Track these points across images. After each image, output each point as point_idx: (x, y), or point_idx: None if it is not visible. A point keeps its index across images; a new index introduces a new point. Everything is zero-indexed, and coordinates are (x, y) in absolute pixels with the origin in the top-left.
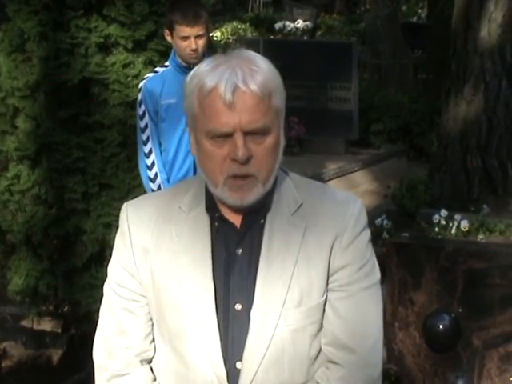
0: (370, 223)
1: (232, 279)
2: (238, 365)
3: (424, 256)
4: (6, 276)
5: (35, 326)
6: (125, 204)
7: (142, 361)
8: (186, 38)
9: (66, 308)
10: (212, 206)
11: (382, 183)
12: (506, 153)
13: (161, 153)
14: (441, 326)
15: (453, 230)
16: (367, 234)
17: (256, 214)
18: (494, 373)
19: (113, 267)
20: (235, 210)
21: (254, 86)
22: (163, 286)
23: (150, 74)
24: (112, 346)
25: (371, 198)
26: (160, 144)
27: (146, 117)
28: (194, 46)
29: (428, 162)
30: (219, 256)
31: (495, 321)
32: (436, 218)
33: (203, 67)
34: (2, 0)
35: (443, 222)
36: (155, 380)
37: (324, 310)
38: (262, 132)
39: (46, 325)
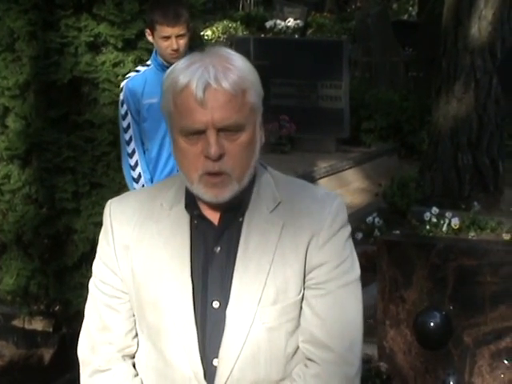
0: (361, 221)
1: (210, 277)
2: (215, 362)
3: (415, 254)
4: None
5: (26, 326)
6: (109, 201)
7: (123, 356)
8: (167, 37)
9: (57, 307)
10: (191, 203)
11: (373, 181)
12: (497, 150)
13: (144, 152)
14: (432, 324)
15: (444, 228)
16: (346, 231)
17: (234, 212)
18: (485, 370)
19: (97, 264)
20: (213, 207)
21: (225, 83)
22: (143, 282)
23: (132, 74)
24: (95, 342)
25: (362, 196)
26: (143, 143)
27: (129, 116)
28: (175, 46)
29: (419, 159)
30: (198, 254)
31: (486, 318)
32: (427, 215)
33: (178, 65)
34: None
35: (434, 220)
36: (136, 376)
37: (301, 307)
38: (235, 129)
39: (38, 324)
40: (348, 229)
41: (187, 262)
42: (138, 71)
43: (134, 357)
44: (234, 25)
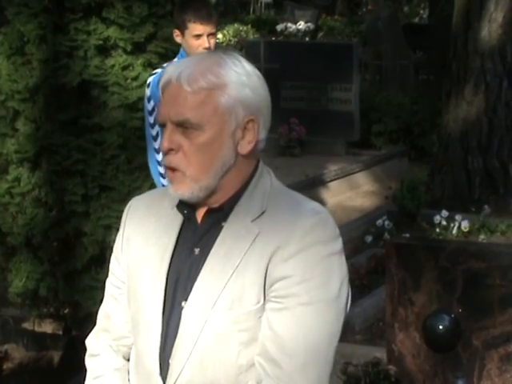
0: (371, 224)
1: (184, 277)
2: (171, 360)
3: (424, 256)
4: (7, 278)
5: (36, 328)
6: (134, 198)
7: (118, 346)
8: (199, 36)
9: (66, 310)
10: (182, 203)
11: (383, 184)
12: (507, 153)
13: None
14: (441, 327)
15: (454, 231)
16: (324, 249)
17: (217, 216)
18: (494, 373)
19: (112, 255)
20: (198, 208)
21: (184, 80)
22: (131, 275)
23: (159, 70)
24: (97, 328)
25: (372, 199)
26: None
27: (156, 112)
28: (207, 45)
29: (429, 162)
30: (179, 253)
31: (495, 321)
32: (437, 218)
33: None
34: (1, 3)
35: (444, 223)
36: (118, 370)
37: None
38: (191, 126)
39: (47, 327)
40: (329, 247)
41: (167, 260)
42: (164, 67)
43: (131, 348)
44: (245, 28)
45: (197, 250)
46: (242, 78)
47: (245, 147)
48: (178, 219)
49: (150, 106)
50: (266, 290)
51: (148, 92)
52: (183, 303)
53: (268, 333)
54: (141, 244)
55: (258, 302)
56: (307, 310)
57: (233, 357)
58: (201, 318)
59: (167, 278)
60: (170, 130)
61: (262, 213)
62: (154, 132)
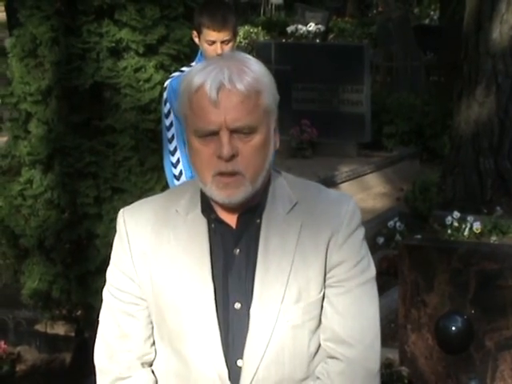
0: (383, 225)
1: (230, 279)
2: (239, 362)
3: (436, 258)
4: (20, 280)
5: (49, 330)
6: (121, 210)
7: (143, 363)
8: (212, 42)
9: (79, 312)
10: (207, 207)
11: (395, 186)
12: None
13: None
14: (453, 328)
15: (465, 232)
16: (361, 231)
17: (251, 214)
18: (508, 374)
19: (112, 272)
20: (230, 210)
21: (239, 85)
22: (163, 288)
23: (176, 73)
24: (113, 350)
25: (384, 201)
26: (184, 142)
27: (171, 115)
28: (219, 51)
29: (441, 164)
30: (217, 257)
31: (508, 322)
32: (449, 220)
33: (195, 68)
34: (14, 6)
35: (456, 224)
36: (157, 383)
37: (322, 306)
38: (248, 130)
39: (60, 329)
40: (363, 229)
41: (208, 265)
42: (182, 71)
43: (151, 364)
44: (256, 30)
45: (237, 251)
46: (271, 78)
47: (277, 143)
48: (200, 224)
49: (166, 108)
50: (325, 276)
51: (165, 95)
52: (237, 305)
53: (335, 317)
54: (165, 256)
55: (322, 290)
56: (364, 289)
57: (305, 346)
58: (272, 314)
59: (214, 284)
60: (227, 136)
61: (295, 204)
62: (169, 134)
